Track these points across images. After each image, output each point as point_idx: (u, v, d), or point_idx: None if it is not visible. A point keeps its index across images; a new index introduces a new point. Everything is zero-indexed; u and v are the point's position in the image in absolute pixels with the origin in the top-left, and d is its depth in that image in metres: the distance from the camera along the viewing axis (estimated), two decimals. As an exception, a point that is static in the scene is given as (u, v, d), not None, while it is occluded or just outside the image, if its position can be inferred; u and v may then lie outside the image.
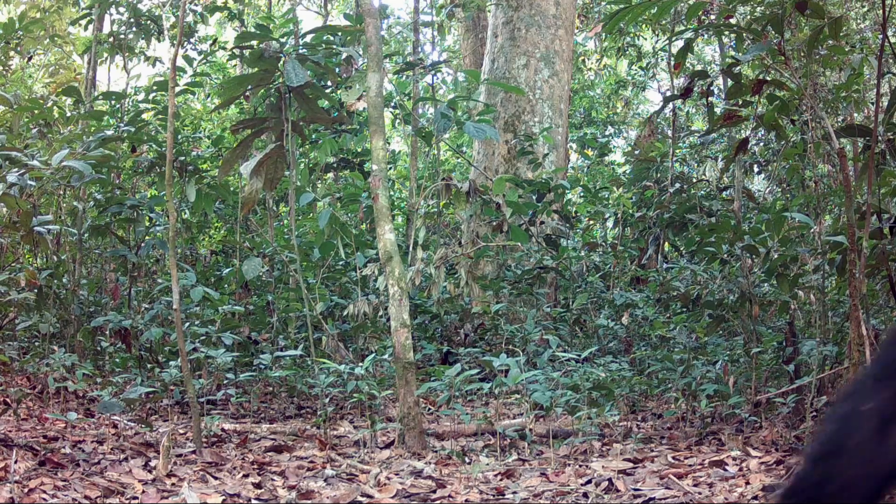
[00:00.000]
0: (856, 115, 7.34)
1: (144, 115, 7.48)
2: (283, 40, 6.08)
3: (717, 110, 6.40)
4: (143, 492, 3.46)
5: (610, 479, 3.75)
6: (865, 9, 10.08)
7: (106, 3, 8.34)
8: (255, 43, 5.99)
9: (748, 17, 6.52)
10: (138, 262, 7.06)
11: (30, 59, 11.10)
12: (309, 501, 3.54)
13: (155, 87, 7.41)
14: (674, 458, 4.26)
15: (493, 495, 3.67)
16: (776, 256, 5.29)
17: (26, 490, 3.22)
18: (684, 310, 6.42)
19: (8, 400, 4.96)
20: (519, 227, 7.55)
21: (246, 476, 3.89)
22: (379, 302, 6.78)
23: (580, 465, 4.14)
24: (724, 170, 8.74)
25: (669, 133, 10.28)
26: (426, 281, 7.63)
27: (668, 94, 11.20)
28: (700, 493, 3.52)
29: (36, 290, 6.06)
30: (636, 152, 10.55)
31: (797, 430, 4.44)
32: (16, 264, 6.79)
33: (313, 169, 10.28)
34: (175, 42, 5.23)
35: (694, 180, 9.14)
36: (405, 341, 4.72)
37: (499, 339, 7.15)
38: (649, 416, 5.72)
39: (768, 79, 4.83)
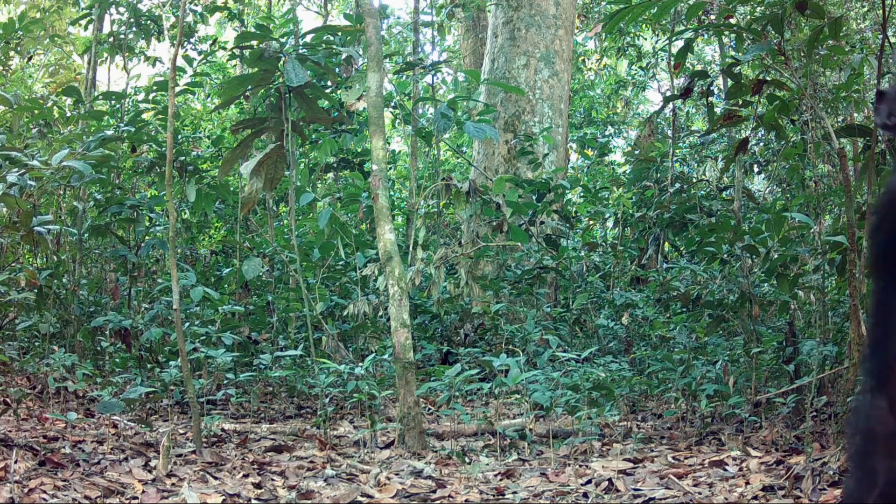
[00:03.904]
0: (856, 115, 7.34)
1: (144, 115, 7.48)
2: (283, 40, 6.08)
3: (717, 110, 6.40)
4: (143, 492, 3.46)
5: (610, 479, 3.75)
6: (865, 9, 10.08)
7: (106, 3, 8.34)
8: (255, 43, 5.99)
9: (748, 17, 6.52)
10: (138, 262, 7.06)
11: (30, 59, 11.09)
12: (309, 501, 3.54)
13: (155, 87, 7.41)
14: (674, 458, 4.26)
15: (493, 495, 3.67)
16: (776, 256, 5.29)
17: (26, 490, 3.22)
18: (684, 310, 6.42)
19: (8, 400, 4.96)
20: (519, 227, 7.54)
21: (246, 476, 3.89)
22: (379, 302, 6.78)
23: (580, 465, 4.14)
24: (724, 170, 8.73)
25: (669, 133, 10.28)
26: (426, 281, 7.63)
27: (668, 94, 11.20)
28: (700, 493, 3.52)
29: (36, 290, 6.06)
30: (636, 152, 10.55)
31: (797, 430, 4.44)
32: (16, 264, 6.79)
33: (313, 169, 10.28)
34: (175, 42, 5.23)
35: (694, 180, 9.13)
36: (405, 341, 4.72)
37: (499, 339, 7.15)
38: (649, 416, 5.72)
39: (768, 79, 4.83)
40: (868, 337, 1.87)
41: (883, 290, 1.91)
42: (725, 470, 3.84)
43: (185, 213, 8.66)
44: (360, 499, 3.58)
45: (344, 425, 5.44)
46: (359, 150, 10.03)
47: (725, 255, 5.67)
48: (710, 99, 5.41)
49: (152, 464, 3.90)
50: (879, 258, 1.93)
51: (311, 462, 4.27)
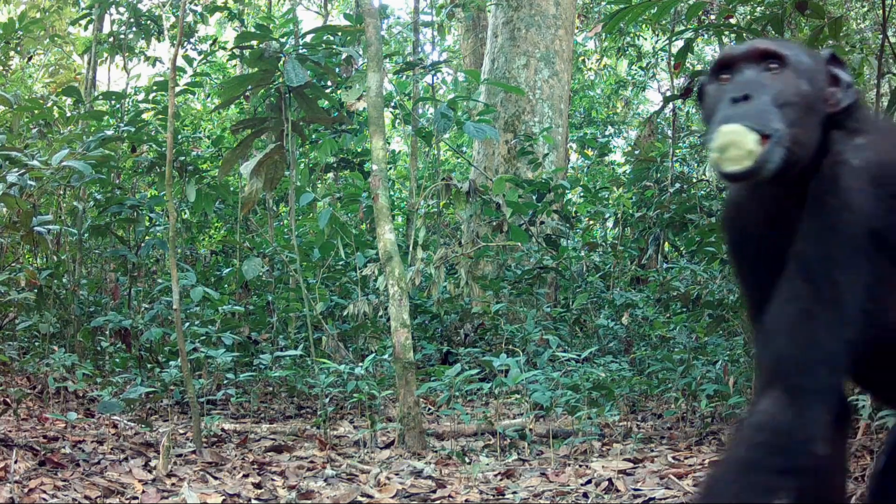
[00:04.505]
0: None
1: (144, 115, 7.48)
2: (283, 40, 6.08)
3: (717, 110, 6.38)
4: (143, 492, 3.46)
5: (610, 479, 3.75)
6: (865, 9, 10.08)
7: (106, 3, 8.34)
8: (255, 43, 5.99)
9: (748, 17, 6.51)
10: (138, 262, 7.06)
11: (30, 59, 11.09)
12: (309, 501, 3.54)
13: (155, 87, 7.41)
14: (674, 458, 4.26)
15: (493, 495, 3.67)
16: (776, 256, 5.29)
17: (26, 490, 3.22)
18: (684, 310, 6.42)
19: (8, 400, 4.96)
20: (519, 227, 7.54)
21: (246, 476, 3.89)
22: (379, 302, 6.78)
23: (580, 465, 4.14)
24: (724, 170, 8.70)
25: (669, 133, 10.27)
26: (426, 281, 7.63)
27: (668, 94, 11.19)
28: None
29: (36, 290, 6.06)
30: (636, 152, 10.55)
31: (797, 430, 4.43)
32: (16, 264, 6.79)
33: (313, 169, 10.28)
34: (175, 42, 5.23)
35: (694, 180, 9.13)
36: (405, 341, 4.72)
37: (499, 339, 7.15)
38: (649, 416, 5.72)
39: (768, 79, 4.81)
40: (756, 343, 1.87)
41: (749, 294, 1.94)
42: (725, 470, 3.84)
43: (185, 213, 8.66)
44: (360, 499, 3.58)
45: (344, 425, 5.44)
46: (359, 150, 10.03)
47: (725, 255, 5.66)
48: (710, 99, 5.39)
49: (152, 464, 3.90)
50: (735, 266, 1.96)
51: (311, 462, 4.27)
